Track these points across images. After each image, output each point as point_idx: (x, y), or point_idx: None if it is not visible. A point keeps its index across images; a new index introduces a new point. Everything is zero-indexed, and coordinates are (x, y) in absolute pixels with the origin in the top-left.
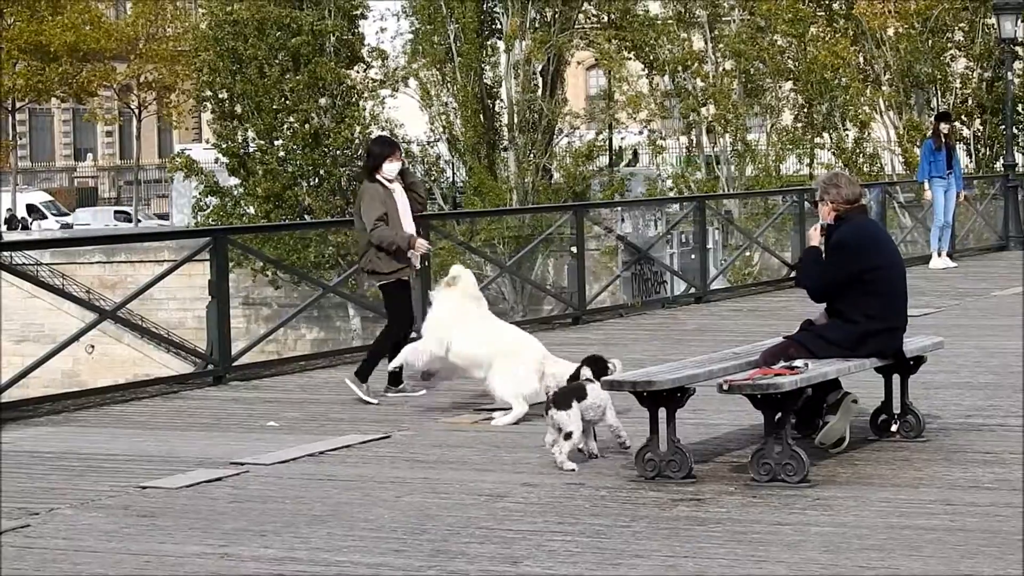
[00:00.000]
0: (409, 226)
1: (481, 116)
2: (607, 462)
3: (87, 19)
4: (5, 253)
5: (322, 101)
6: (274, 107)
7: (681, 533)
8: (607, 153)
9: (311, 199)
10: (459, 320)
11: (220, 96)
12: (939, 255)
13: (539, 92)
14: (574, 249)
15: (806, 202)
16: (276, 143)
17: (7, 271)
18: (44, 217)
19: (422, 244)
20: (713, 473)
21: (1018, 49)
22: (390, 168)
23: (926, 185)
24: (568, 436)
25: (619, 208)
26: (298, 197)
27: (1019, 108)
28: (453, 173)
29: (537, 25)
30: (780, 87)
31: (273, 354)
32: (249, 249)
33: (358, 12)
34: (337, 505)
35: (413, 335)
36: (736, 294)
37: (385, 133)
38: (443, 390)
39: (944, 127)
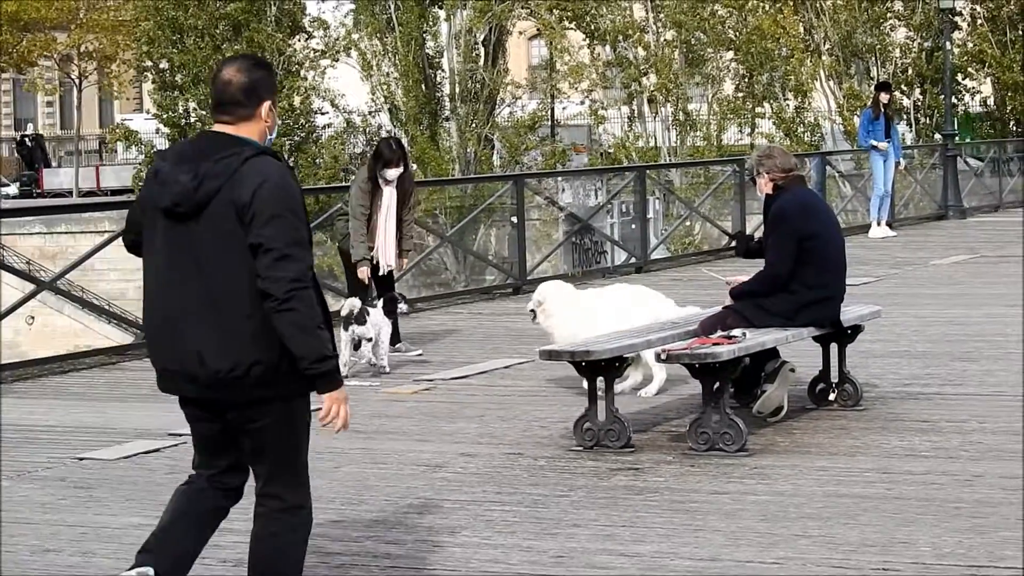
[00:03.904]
0: (391, 227)
1: (423, 86)
2: (545, 431)
3: None
4: None
5: None
6: None
7: (619, 502)
8: (549, 123)
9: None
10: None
11: (160, 66)
12: (878, 224)
13: (481, 62)
14: (515, 219)
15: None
16: None
17: None
18: None
19: (363, 274)
20: (651, 442)
21: (957, 19)
22: (393, 173)
23: (877, 144)
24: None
25: (559, 178)
26: None
27: (958, 78)
28: None
29: None
30: (721, 57)
31: None
32: None
33: None
34: None
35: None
36: (676, 263)
37: (395, 136)
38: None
39: (884, 97)
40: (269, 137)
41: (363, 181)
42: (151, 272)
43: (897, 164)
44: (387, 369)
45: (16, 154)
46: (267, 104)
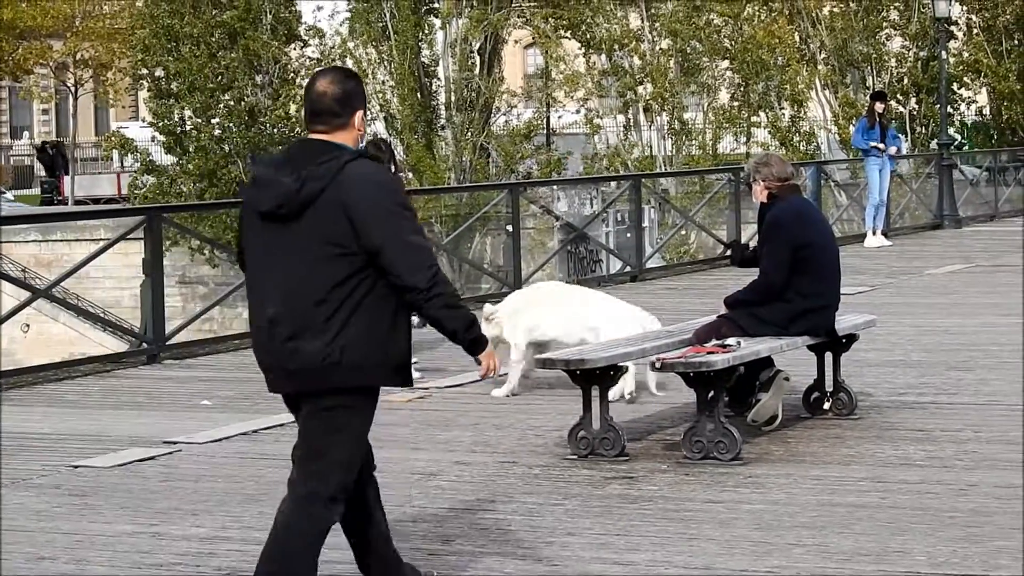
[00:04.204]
0: None
1: (418, 94)
2: (540, 440)
3: None
4: None
5: (258, 79)
6: (210, 85)
7: (613, 511)
8: (544, 132)
9: (247, 177)
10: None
11: (156, 74)
12: (874, 233)
13: (476, 71)
14: (510, 227)
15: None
16: (213, 121)
17: None
18: None
19: None
20: (646, 451)
21: (952, 28)
22: None
23: (877, 144)
24: None
25: (555, 187)
26: (233, 175)
27: (953, 87)
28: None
29: (474, 3)
30: (717, 66)
31: (210, 333)
32: (183, 228)
33: None
34: (270, 484)
35: None
36: (671, 272)
37: (384, 137)
38: None
39: (879, 106)
40: (361, 144)
41: None
42: (252, 274)
43: (897, 151)
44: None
45: (38, 161)
46: (359, 113)
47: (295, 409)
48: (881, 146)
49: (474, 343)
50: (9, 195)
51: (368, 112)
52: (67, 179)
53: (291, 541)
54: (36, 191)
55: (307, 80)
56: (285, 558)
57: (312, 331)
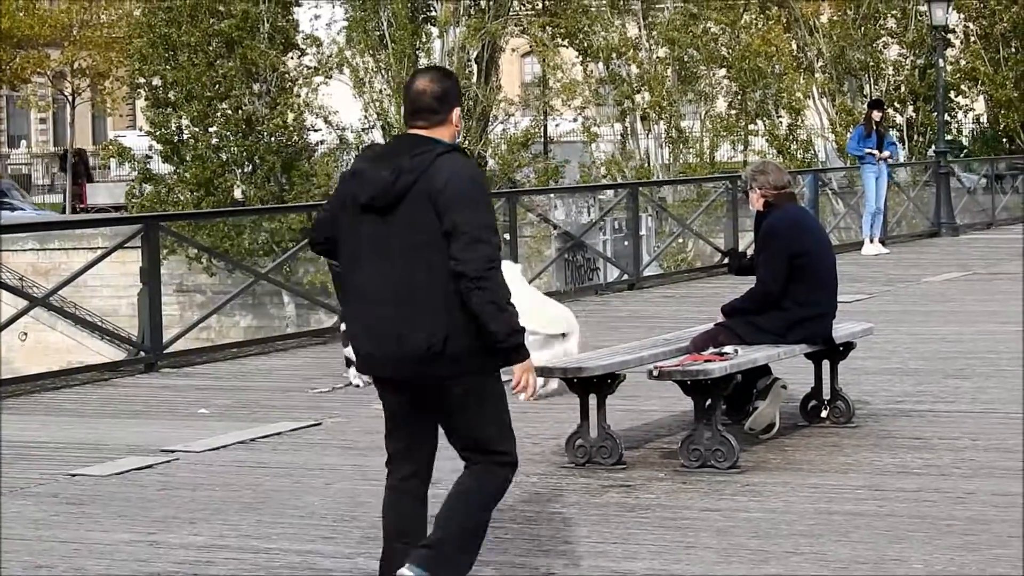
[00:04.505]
0: None
1: None
2: (537, 448)
3: (21, 5)
4: None
5: (255, 87)
6: (207, 94)
7: (611, 519)
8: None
9: (245, 186)
10: None
11: (153, 83)
12: (871, 241)
13: (474, 79)
14: (507, 236)
15: (739, 191)
16: (210, 130)
17: None
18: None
19: None
20: (643, 459)
21: (949, 36)
22: None
23: (873, 151)
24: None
25: (552, 195)
26: (229, 184)
27: (951, 95)
28: None
29: (471, 12)
30: (714, 74)
31: (207, 341)
32: (181, 236)
33: None
34: (267, 492)
35: None
36: (669, 280)
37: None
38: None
39: (876, 114)
40: (457, 140)
41: None
42: (350, 264)
43: (889, 157)
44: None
45: (60, 169)
46: (456, 110)
47: (396, 392)
48: (876, 152)
49: (513, 352)
50: (28, 207)
51: (367, 119)
52: (89, 187)
53: (471, 503)
54: (43, 198)
55: (302, 89)
56: (466, 517)
57: (414, 320)
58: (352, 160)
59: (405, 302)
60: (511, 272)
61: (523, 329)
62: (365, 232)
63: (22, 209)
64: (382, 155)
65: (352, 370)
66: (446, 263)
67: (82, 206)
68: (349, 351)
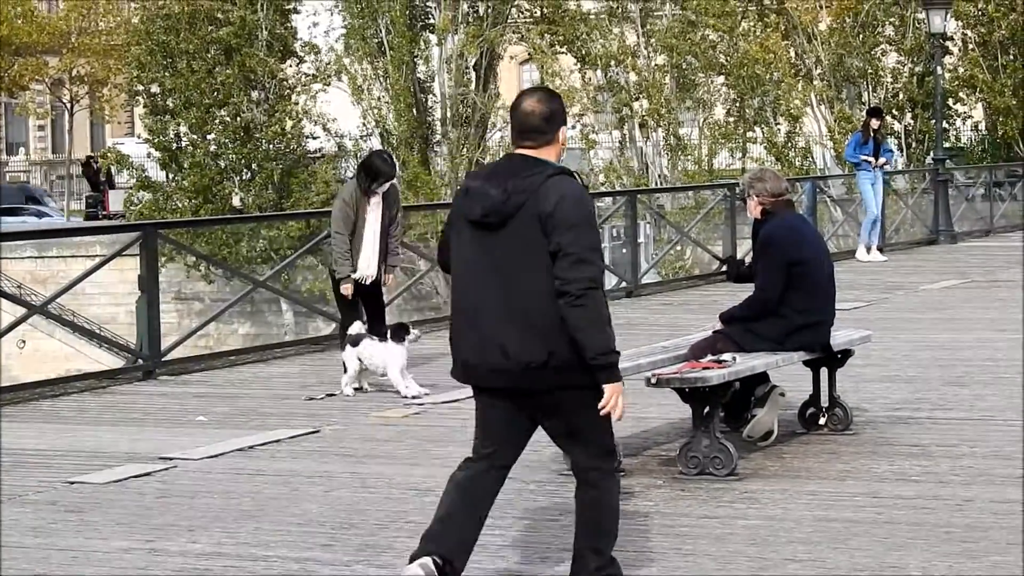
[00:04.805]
0: (374, 241)
1: (414, 110)
2: (536, 456)
3: (19, 12)
4: None
5: (254, 95)
6: (205, 101)
7: None
8: None
9: (243, 193)
10: None
11: (152, 90)
12: (868, 250)
13: (472, 86)
14: None
15: (737, 199)
16: (208, 137)
17: None
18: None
19: (347, 291)
20: (642, 466)
21: (948, 44)
22: (386, 186)
23: (868, 158)
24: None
25: None
26: (228, 191)
27: (949, 102)
28: None
29: (470, 19)
30: (712, 81)
31: (205, 349)
32: (179, 244)
33: (290, 7)
34: (265, 500)
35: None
36: (667, 288)
37: (387, 151)
38: (372, 386)
39: (875, 122)
40: (562, 158)
41: (348, 196)
42: (459, 276)
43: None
44: (408, 394)
45: (83, 175)
46: (563, 129)
47: (496, 401)
48: (871, 159)
49: (604, 371)
50: (55, 214)
51: (366, 126)
52: (112, 194)
53: (604, 512)
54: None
55: (300, 96)
56: (603, 523)
57: (519, 334)
58: (393, 171)
59: (510, 316)
60: None
61: (618, 352)
62: (474, 247)
63: (49, 216)
64: (493, 174)
65: (344, 378)
66: (550, 280)
67: (104, 212)
68: (346, 356)
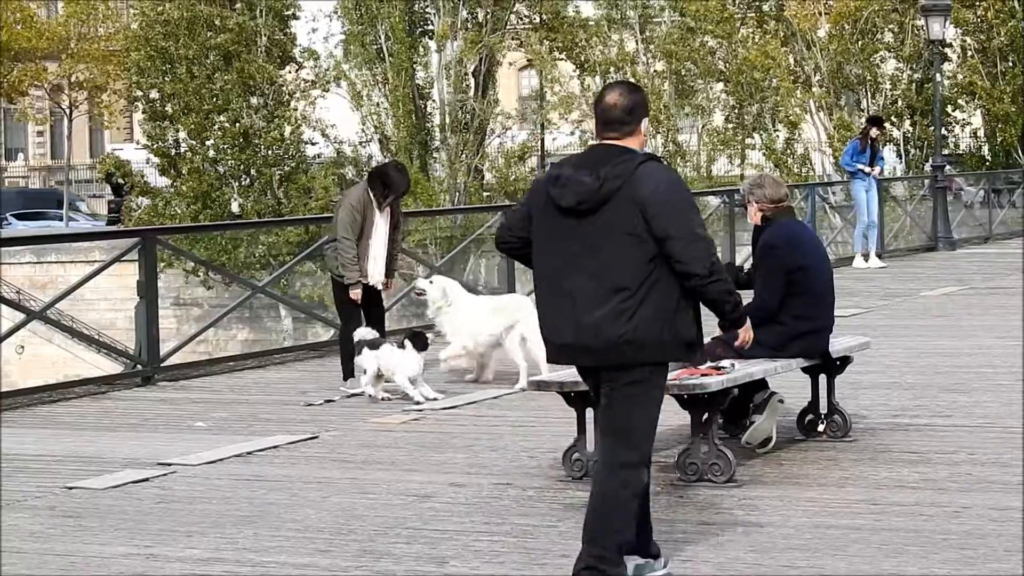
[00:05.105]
0: (383, 248)
1: (413, 116)
2: (534, 462)
3: (18, 18)
4: None
5: (253, 101)
6: (204, 107)
7: None
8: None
9: (242, 199)
10: None
11: (151, 96)
12: (866, 259)
13: (471, 93)
14: None
15: (736, 205)
16: (207, 143)
17: None
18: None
19: (357, 296)
20: None
21: (947, 51)
22: (395, 201)
23: (863, 167)
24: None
25: None
26: (227, 197)
27: (948, 109)
28: None
29: (469, 26)
30: (711, 88)
31: (204, 355)
32: (178, 249)
33: (290, 13)
34: (264, 506)
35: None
36: None
37: (401, 163)
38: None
39: (874, 131)
40: (645, 149)
41: (356, 201)
42: (547, 261)
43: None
44: (420, 399)
45: (106, 181)
46: (644, 121)
47: (589, 378)
48: (867, 168)
49: (738, 320)
50: (83, 219)
51: (365, 132)
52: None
53: (609, 505)
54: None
55: (299, 103)
56: (607, 520)
57: (611, 311)
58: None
59: (601, 296)
60: (453, 288)
61: (741, 302)
62: (565, 232)
63: (75, 220)
64: (583, 163)
65: (364, 378)
66: (640, 262)
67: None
68: (364, 359)
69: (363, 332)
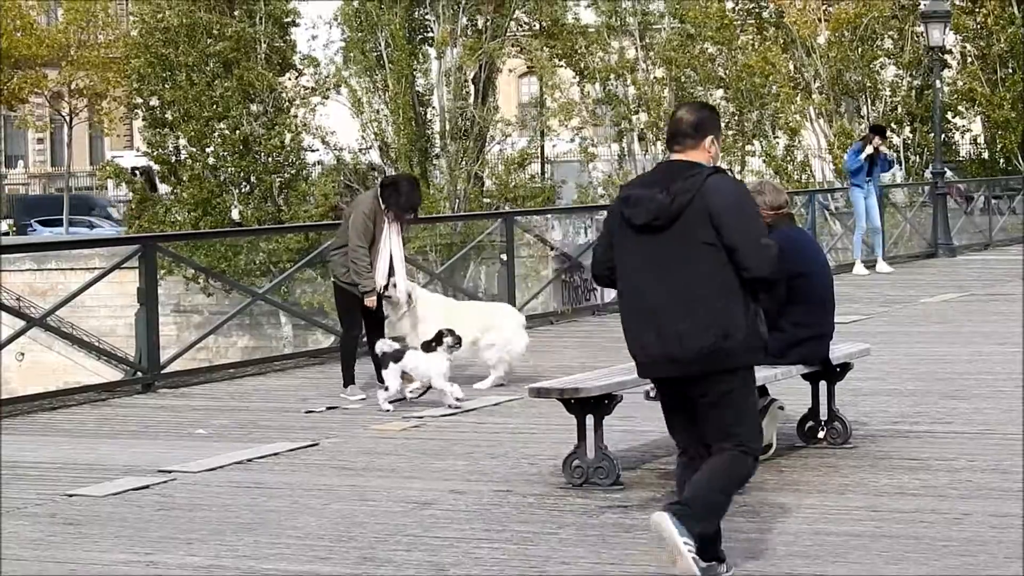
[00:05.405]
0: (394, 256)
1: (413, 123)
2: (535, 469)
3: (18, 25)
4: None
5: (253, 108)
6: (204, 114)
7: (608, 540)
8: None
9: (242, 206)
10: None
11: (151, 103)
12: (866, 265)
13: (471, 99)
14: (504, 256)
15: None
16: (207, 150)
17: None
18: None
19: (372, 303)
20: (640, 480)
21: (947, 57)
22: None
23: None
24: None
25: (549, 216)
26: (227, 204)
27: (948, 116)
28: None
29: (468, 33)
30: (711, 95)
31: (205, 362)
32: (178, 256)
33: (289, 20)
34: (264, 513)
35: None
36: None
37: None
38: (373, 396)
39: (877, 140)
40: (713, 165)
41: (369, 209)
42: (629, 280)
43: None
44: (452, 401)
45: (136, 175)
46: (710, 138)
47: (672, 389)
48: (888, 154)
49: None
50: (108, 227)
51: (365, 140)
52: None
53: (717, 478)
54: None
55: (299, 110)
56: (710, 491)
57: (695, 322)
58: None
59: (683, 308)
60: (434, 299)
61: None
62: (642, 249)
63: (100, 227)
64: (653, 180)
65: (384, 395)
66: (717, 271)
67: None
68: (389, 374)
69: (384, 345)
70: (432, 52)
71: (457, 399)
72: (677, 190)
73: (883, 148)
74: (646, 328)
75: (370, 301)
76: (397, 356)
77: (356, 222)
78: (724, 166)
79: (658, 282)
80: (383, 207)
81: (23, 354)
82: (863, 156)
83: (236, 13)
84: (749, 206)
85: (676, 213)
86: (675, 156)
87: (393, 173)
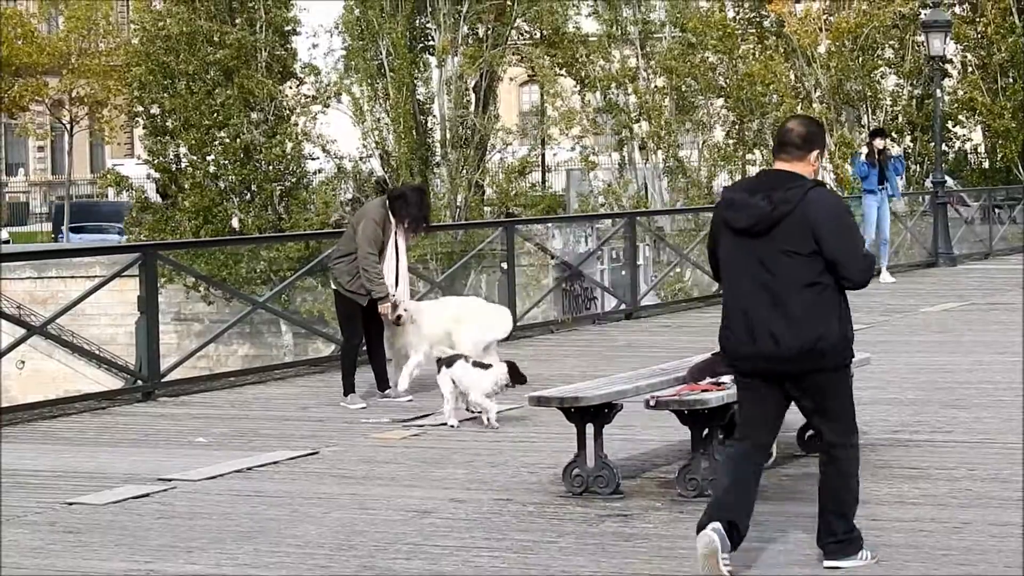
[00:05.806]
0: (403, 266)
1: (414, 132)
2: (535, 477)
3: (19, 34)
4: None
5: (253, 116)
6: (205, 122)
7: (608, 549)
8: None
9: (243, 214)
10: None
11: (152, 111)
12: (877, 274)
13: (472, 108)
14: (504, 265)
15: None
16: (208, 158)
17: None
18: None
19: (385, 310)
20: (640, 489)
21: (947, 67)
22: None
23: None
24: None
25: (550, 224)
26: (228, 212)
27: (948, 125)
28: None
29: (469, 41)
30: (712, 104)
31: (205, 370)
32: (178, 264)
33: (290, 28)
34: (264, 521)
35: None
36: (667, 310)
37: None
38: (373, 405)
39: (879, 142)
40: (814, 179)
41: (379, 217)
42: (730, 280)
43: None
44: (492, 420)
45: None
46: (815, 152)
47: (765, 386)
48: (873, 145)
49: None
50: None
51: (365, 148)
52: None
53: (849, 481)
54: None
55: (300, 118)
56: (849, 490)
57: (790, 323)
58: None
59: (779, 310)
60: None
61: None
62: (740, 253)
63: (110, 234)
64: (756, 187)
65: (447, 408)
66: (810, 277)
67: None
68: (441, 379)
69: (438, 351)
70: (433, 60)
71: (494, 424)
72: (779, 199)
73: (890, 149)
74: (739, 326)
75: (384, 308)
76: (450, 362)
77: (367, 230)
78: (726, 176)
79: (753, 284)
80: (396, 219)
81: (23, 362)
82: (863, 156)
83: (237, 21)
84: (849, 219)
85: (775, 221)
86: (779, 165)
87: (401, 184)
